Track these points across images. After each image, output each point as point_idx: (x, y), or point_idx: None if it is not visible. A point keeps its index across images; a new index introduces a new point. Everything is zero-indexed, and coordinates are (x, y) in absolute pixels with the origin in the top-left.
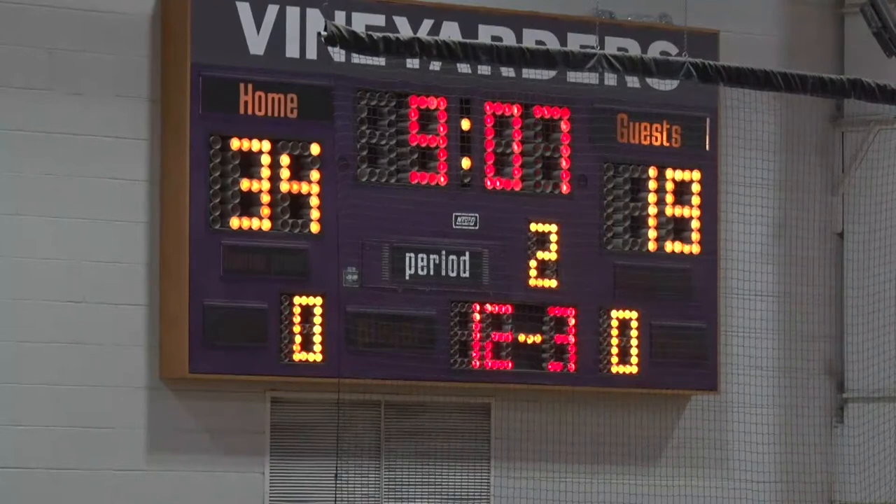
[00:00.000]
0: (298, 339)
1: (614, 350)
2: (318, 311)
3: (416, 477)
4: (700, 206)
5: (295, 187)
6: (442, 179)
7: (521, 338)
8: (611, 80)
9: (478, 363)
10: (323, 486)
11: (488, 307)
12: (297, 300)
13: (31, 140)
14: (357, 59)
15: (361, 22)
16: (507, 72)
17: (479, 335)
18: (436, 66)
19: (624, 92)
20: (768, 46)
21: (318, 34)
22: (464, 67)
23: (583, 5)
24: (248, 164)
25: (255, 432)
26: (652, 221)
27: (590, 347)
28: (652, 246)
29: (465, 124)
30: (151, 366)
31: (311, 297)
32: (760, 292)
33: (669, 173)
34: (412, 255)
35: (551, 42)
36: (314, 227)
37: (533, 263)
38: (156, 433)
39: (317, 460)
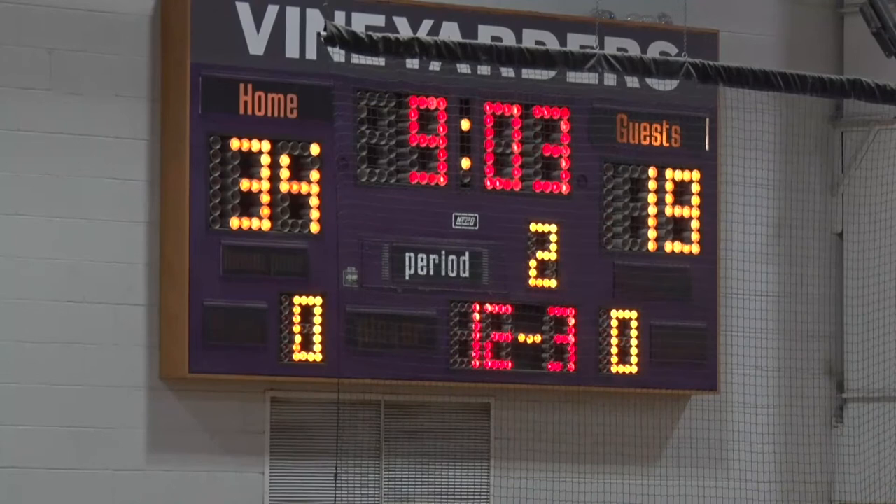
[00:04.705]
0: (298, 339)
1: (614, 350)
2: (317, 311)
3: (416, 477)
4: (700, 206)
5: (295, 187)
6: (442, 179)
7: (521, 338)
8: (610, 80)
9: (478, 363)
10: (322, 486)
11: (488, 307)
12: (296, 300)
13: (31, 140)
14: (357, 59)
15: (361, 22)
16: (507, 72)
17: (478, 335)
18: (435, 66)
19: (624, 92)
20: (768, 46)
21: (318, 34)
22: (463, 67)
23: (583, 5)
24: (248, 164)
25: (254, 432)
26: (652, 221)
27: (590, 347)
28: (652, 246)
29: (465, 124)
30: (151, 366)
31: (311, 297)
32: (760, 292)
33: (669, 173)
34: (412, 255)
35: (551, 42)
36: (314, 227)
37: (533, 263)
38: (156, 433)
39: (316, 460)
